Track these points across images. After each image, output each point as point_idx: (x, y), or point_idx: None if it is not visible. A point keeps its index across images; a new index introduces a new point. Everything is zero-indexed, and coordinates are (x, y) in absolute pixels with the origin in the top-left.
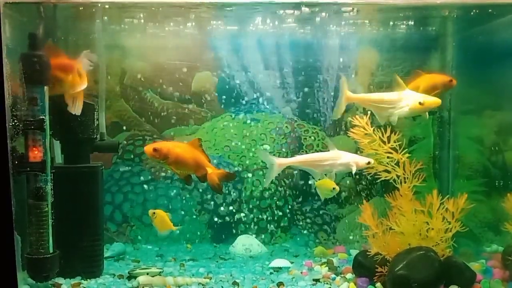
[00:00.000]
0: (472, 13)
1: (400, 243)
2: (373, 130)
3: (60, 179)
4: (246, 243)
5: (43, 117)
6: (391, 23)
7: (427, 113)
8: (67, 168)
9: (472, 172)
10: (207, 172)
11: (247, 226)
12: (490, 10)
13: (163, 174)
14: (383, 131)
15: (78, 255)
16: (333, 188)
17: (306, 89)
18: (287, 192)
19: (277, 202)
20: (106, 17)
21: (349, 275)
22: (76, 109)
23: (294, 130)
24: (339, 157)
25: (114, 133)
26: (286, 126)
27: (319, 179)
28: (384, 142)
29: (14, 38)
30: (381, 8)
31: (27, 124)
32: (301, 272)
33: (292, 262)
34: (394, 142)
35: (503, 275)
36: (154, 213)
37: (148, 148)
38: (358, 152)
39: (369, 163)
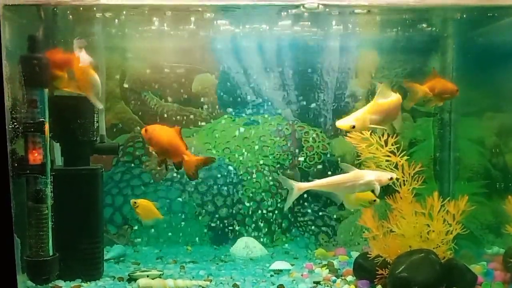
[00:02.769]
0: (473, 15)
1: (400, 246)
2: (370, 133)
3: (60, 181)
4: (246, 245)
5: (43, 119)
6: (392, 24)
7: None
8: (67, 171)
9: (473, 174)
10: (184, 159)
11: (247, 228)
12: (490, 12)
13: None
14: (380, 134)
15: (78, 258)
16: (374, 200)
17: (306, 91)
18: (287, 193)
19: (278, 204)
20: (105, 19)
21: (350, 278)
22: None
23: (295, 132)
24: (361, 177)
25: (114, 135)
26: (286, 128)
27: None
28: (382, 146)
29: (13, 40)
30: (382, 10)
31: (27, 127)
32: (302, 275)
33: (292, 265)
34: (392, 145)
35: (504, 277)
36: (135, 202)
37: (143, 129)
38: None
39: (391, 178)
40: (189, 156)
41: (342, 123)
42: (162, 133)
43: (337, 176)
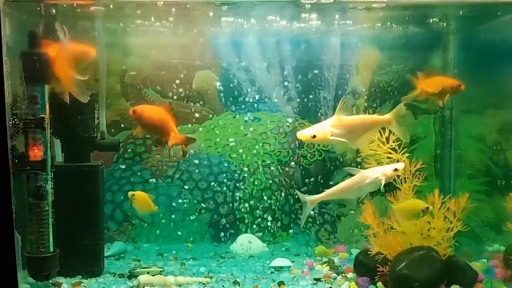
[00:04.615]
0: (474, 12)
1: (401, 243)
2: None
3: (60, 178)
4: (247, 242)
5: (43, 115)
6: (393, 21)
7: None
8: (67, 167)
9: (474, 171)
10: (169, 135)
11: (248, 225)
12: (493, 9)
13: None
14: (382, 131)
15: (79, 254)
16: (427, 208)
17: (307, 88)
18: (288, 190)
19: (278, 201)
20: (106, 15)
21: (350, 275)
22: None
23: (296, 129)
24: (367, 177)
25: (115, 132)
26: (287, 125)
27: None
28: (383, 143)
29: (14, 36)
30: (383, 7)
31: (27, 123)
32: (302, 272)
33: (293, 261)
34: (393, 142)
35: (504, 274)
36: (133, 194)
37: (130, 110)
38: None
39: (396, 169)
40: (175, 133)
41: (303, 134)
42: (151, 112)
43: (344, 182)
